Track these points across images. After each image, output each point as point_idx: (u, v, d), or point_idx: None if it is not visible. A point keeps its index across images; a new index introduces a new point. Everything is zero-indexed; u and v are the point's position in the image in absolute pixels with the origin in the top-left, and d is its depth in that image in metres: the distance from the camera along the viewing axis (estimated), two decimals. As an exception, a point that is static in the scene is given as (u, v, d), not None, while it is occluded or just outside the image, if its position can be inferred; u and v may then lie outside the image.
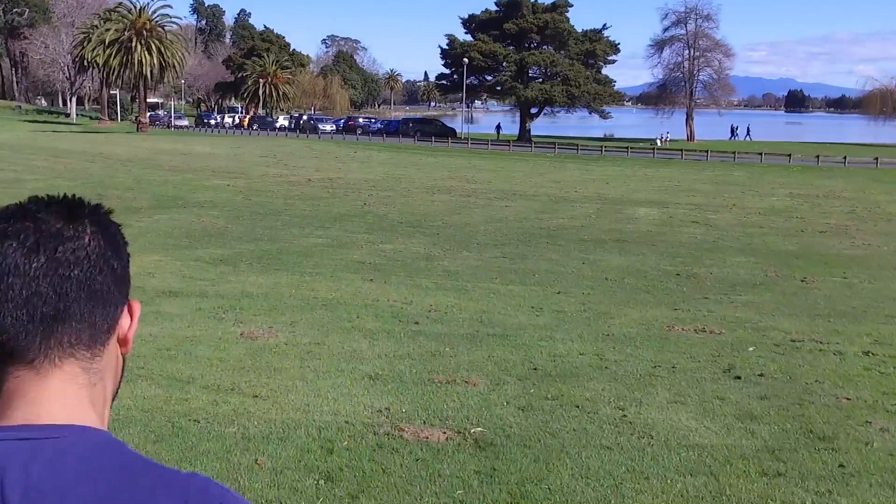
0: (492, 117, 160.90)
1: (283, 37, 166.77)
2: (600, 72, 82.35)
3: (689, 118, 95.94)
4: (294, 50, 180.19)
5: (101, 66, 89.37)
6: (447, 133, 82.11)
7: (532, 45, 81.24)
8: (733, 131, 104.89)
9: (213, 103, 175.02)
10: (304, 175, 41.12)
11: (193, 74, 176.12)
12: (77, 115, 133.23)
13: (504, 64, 77.23)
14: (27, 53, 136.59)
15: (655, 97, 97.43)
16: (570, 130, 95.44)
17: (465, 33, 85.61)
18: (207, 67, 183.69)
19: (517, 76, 77.80)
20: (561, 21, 79.00)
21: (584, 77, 77.27)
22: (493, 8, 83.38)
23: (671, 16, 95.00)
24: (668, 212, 26.91)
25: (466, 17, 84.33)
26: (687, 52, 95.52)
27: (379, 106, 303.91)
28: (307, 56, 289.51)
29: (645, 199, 32.35)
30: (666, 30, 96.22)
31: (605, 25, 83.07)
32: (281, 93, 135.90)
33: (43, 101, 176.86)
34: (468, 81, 79.56)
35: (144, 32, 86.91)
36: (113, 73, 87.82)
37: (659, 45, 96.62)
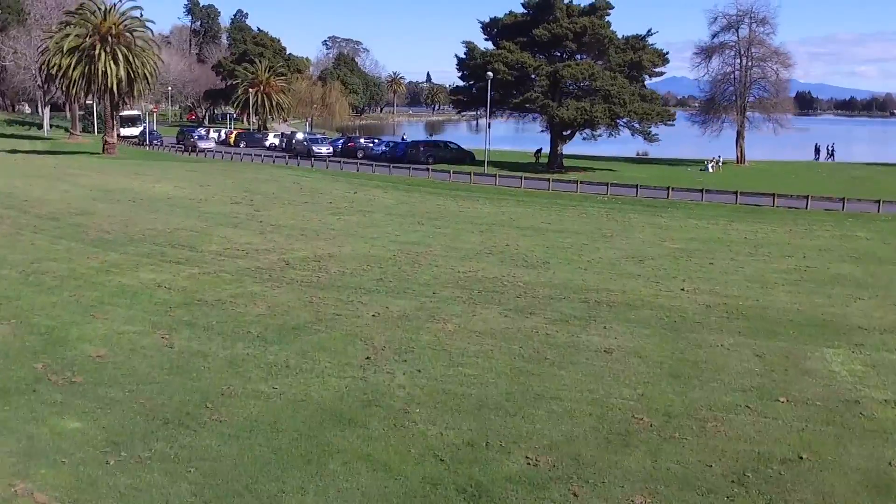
0: (502, 126, 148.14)
1: (279, 40, 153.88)
2: (644, 85, 69.45)
3: (739, 137, 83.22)
4: (290, 54, 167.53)
5: (59, 77, 76.72)
6: (464, 158, 69.52)
7: (566, 55, 68.33)
8: (818, 151, 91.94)
9: (203, 111, 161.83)
10: (280, 249, 28.55)
11: (182, 80, 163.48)
12: (51, 126, 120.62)
13: (534, 77, 64.29)
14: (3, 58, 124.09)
15: (702, 110, 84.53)
16: (600, 146, 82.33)
17: (486, 39, 72.86)
18: (198, 72, 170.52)
19: (550, 92, 64.89)
20: (601, 26, 66.17)
21: (629, 93, 64.40)
22: (520, 10, 70.49)
23: (721, 20, 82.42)
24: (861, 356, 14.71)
25: (487, 21, 71.45)
26: (738, 61, 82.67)
27: (382, 110, 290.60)
28: (306, 59, 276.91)
29: (793, 306, 21.30)
30: (715, 35, 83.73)
31: (649, 31, 70.27)
32: (275, 102, 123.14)
33: (27, 108, 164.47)
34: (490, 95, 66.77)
35: (110, 39, 74.15)
36: (74, 86, 74.91)
37: (707, 53, 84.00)
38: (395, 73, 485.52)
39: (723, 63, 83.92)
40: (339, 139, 78.78)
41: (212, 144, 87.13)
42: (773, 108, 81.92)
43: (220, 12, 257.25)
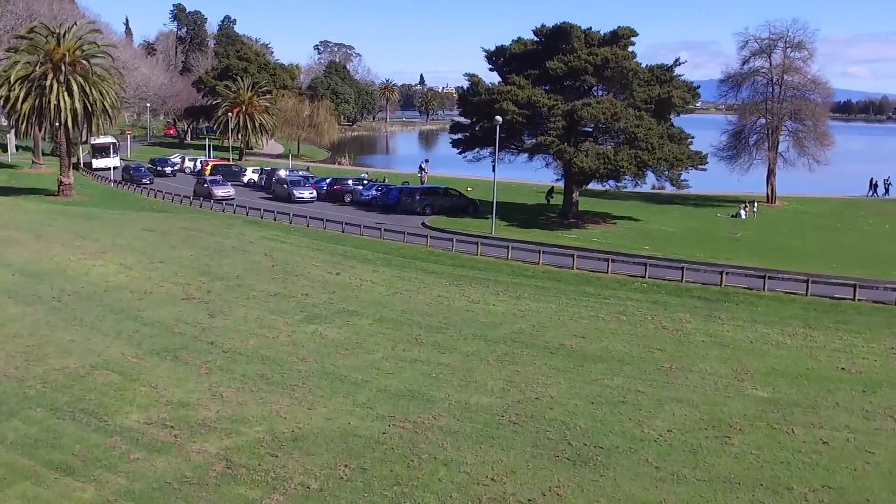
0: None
1: (265, 54, 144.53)
2: (672, 123, 60.68)
3: (770, 175, 74.50)
4: (277, 66, 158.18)
5: (7, 108, 67.92)
6: (466, 207, 60.83)
7: (583, 89, 59.50)
8: (875, 187, 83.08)
9: (186, 127, 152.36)
10: (226, 418, 22.55)
11: (163, 95, 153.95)
12: (17, 148, 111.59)
13: (549, 119, 55.43)
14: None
15: (729, 145, 75.77)
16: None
17: (491, 69, 63.91)
18: (180, 86, 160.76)
19: (566, 133, 56.09)
20: (625, 57, 57.38)
21: (658, 136, 55.65)
22: (530, 37, 61.63)
23: (752, 44, 73.67)
24: None
25: (493, 49, 62.52)
26: (771, 90, 73.97)
27: (374, 118, 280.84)
28: (296, 66, 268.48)
29: None
30: (745, 62, 74.75)
31: (676, 61, 61.51)
32: (258, 123, 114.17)
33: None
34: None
35: (64, 67, 65.16)
36: (23, 120, 65.96)
37: (735, 82, 75.19)
38: (387, 80, 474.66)
39: (753, 92, 75.15)
40: (323, 180, 69.70)
41: (230, 192, 70.03)
42: (810, 139, 73.04)
43: (206, 19, 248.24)
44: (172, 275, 38.87)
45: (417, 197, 59.73)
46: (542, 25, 60.33)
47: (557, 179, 64.06)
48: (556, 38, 58.85)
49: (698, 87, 62.09)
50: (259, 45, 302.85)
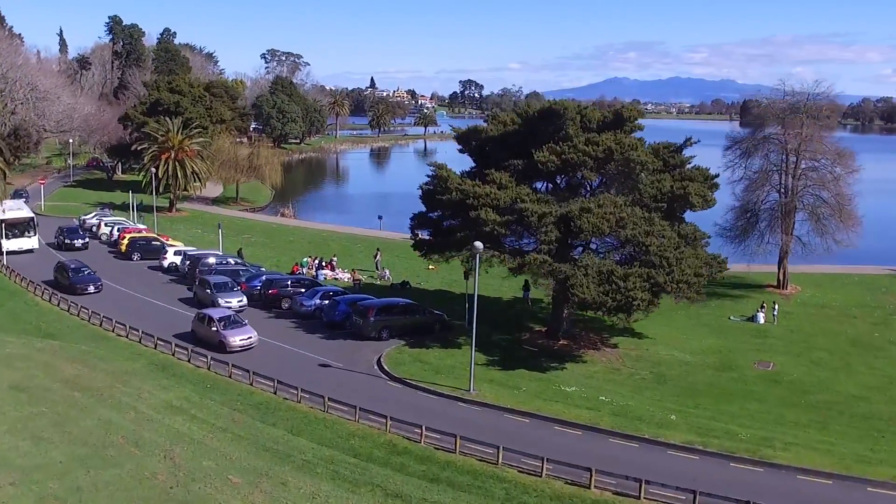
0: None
1: (200, 86, 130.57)
2: (684, 220, 49.37)
3: (783, 258, 63.60)
4: (221, 76, 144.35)
5: None
6: (431, 325, 49.25)
7: (577, 184, 47.86)
8: None
9: (110, 168, 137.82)
10: None
11: (89, 129, 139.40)
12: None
13: (539, 230, 43.55)
14: None
15: (736, 222, 64.66)
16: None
17: (461, 151, 52.10)
18: (109, 116, 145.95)
19: (559, 247, 44.39)
20: (631, 146, 45.72)
21: (675, 248, 44.21)
22: (513, 117, 49.87)
23: (766, 106, 62.70)
24: None
25: (465, 129, 50.65)
26: (784, 159, 63.22)
27: (324, 130, 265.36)
28: (241, 82, 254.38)
29: None
30: (757, 128, 63.82)
31: (687, 141, 50.35)
32: (189, 172, 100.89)
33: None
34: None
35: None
36: None
37: (745, 150, 64.16)
38: (336, 87, 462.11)
39: (765, 161, 64.18)
40: (258, 279, 57.11)
41: (252, 337, 46.72)
42: (832, 220, 62.29)
43: (144, 32, 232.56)
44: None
45: (371, 318, 47.46)
46: (528, 106, 49.57)
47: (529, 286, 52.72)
48: (545, 120, 47.20)
49: (716, 176, 50.77)
50: (203, 56, 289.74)
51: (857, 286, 68.48)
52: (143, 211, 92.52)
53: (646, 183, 47.33)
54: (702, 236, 49.42)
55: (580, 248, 46.31)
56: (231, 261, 63.59)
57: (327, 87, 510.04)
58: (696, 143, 51.11)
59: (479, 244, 37.33)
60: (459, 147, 51.80)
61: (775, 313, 56.89)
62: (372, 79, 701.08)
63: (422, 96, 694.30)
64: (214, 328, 46.16)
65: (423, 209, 50.45)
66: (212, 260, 62.24)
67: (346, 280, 66.45)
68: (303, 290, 55.04)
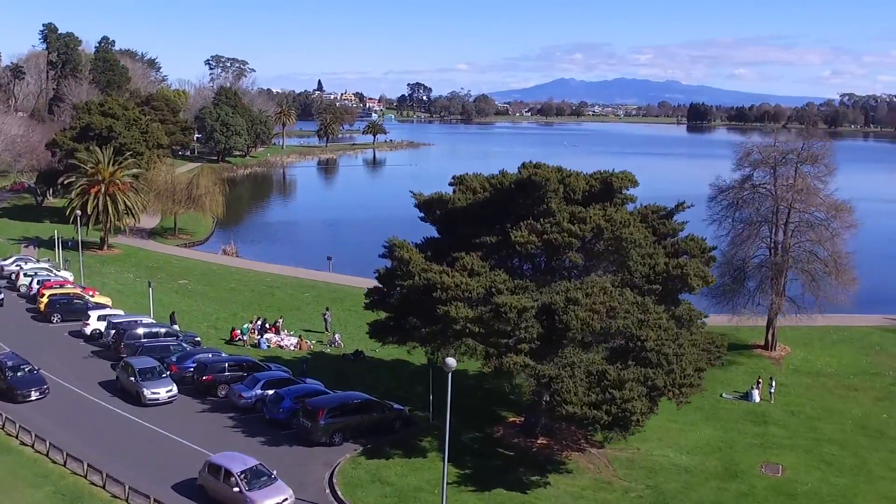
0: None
1: (134, 107, 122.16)
2: (677, 301, 43.34)
3: (771, 321, 58.11)
4: (166, 85, 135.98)
5: None
6: (391, 423, 43.09)
7: (560, 266, 41.49)
8: None
9: (39, 193, 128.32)
10: None
11: (15, 152, 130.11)
12: None
13: (518, 326, 37.01)
14: None
15: (722, 287, 58.73)
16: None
17: (422, 219, 45.54)
18: (38, 137, 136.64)
19: (541, 344, 37.99)
20: (624, 223, 39.47)
21: (673, 339, 38.15)
22: (484, 183, 43.38)
23: (755, 154, 57.24)
24: None
25: (428, 197, 44.06)
26: (774, 210, 57.73)
27: (270, 140, 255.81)
28: (184, 93, 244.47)
29: None
30: (746, 179, 58.29)
31: (680, 205, 44.53)
32: (122, 207, 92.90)
33: None
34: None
35: None
36: None
37: (733, 200, 58.66)
38: (283, 90, 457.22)
39: (754, 213, 58.57)
40: (191, 359, 49.96)
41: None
42: (827, 280, 56.88)
43: (80, 41, 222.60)
44: None
45: (321, 421, 40.50)
46: (503, 174, 42.56)
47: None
48: (523, 191, 40.80)
49: (714, 248, 44.96)
50: (145, 62, 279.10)
51: (847, 345, 63.30)
52: (72, 248, 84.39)
53: (636, 260, 41.26)
54: (697, 316, 43.57)
55: (564, 342, 39.84)
56: (161, 330, 56.07)
57: (274, 91, 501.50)
58: (689, 207, 45.34)
59: (451, 361, 30.64)
60: (421, 215, 45.16)
61: (772, 391, 51.23)
62: (319, 81, 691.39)
63: (370, 99, 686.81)
64: (236, 488, 33.30)
65: (380, 281, 43.72)
66: (140, 331, 54.75)
67: (292, 348, 59.42)
68: (242, 374, 47.92)
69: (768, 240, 58.10)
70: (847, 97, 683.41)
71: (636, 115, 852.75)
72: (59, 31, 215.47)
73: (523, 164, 42.79)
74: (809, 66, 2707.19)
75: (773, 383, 51.53)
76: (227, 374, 48.17)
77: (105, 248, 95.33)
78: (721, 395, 51.68)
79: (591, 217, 38.87)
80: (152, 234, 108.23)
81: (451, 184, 44.87)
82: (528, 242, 38.53)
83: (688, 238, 44.34)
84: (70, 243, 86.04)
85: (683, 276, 40.71)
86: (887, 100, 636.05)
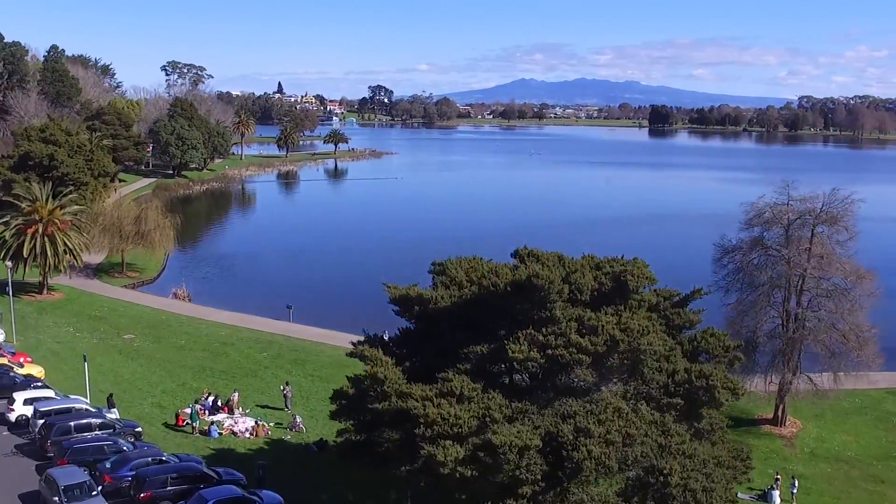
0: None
1: (81, 131, 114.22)
2: (699, 416, 37.00)
3: (781, 397, 52.30)
4: (121, 95, 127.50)
5: None
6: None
7: (565, 383, 34.95)
8: None
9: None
10: None
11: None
12: None
13: (521, 466, 30.47)
14: None
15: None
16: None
17: (397, 314, 38.77)
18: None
19: (547, 480, 31.48)
20: (641, 329, 33.04)
21: (700, 467, 31.89)
22: (471, 278, 36.70)
23: (766, 213, 51.26)
24: None
25: (404, 291, 37.28)
26: (788, 282, 51.72)
27: (229, 152, 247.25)
28: (138, 104, 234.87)
29: None
30: (756, 242, 52.34)
31: (695, 291, 38.38)
32: (61, 249, 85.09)
33: None
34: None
35: None
36: None
37: (741, 264, 52.59)
38: (243, 93, 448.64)
39: (765, 278, 52.59)
40: (128, 465, 42.89)
41: None
42: (846, 355, 51.03)
43: (27, 50, 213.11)
44: None
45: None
46: (495, 271, 35.87)
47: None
48: (520, 295, 34.22)
49: (738, 346, 38.76)
50: (98, 69, 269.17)
51: (862, 416, 57.70)
52: (4, 294, 76.33)
53: (651, 366, 34.95)
54: (719, 424, 37.40)
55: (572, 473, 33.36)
56: (95, 421, 48.69)
57: (234, 93, 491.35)
58: (706, 294, 39.15)
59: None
60: (395, 308, 38.42)
61: (794, 491, 45.21)
62: (279, 83, 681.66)
63: (331, 101, 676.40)
64: None
65: (347, 398, 36.91)
66: (71, 423, 47.39)
67: (247, 436, 52.38)
68: (187, 487, 40.89)
69: (780, 307, 52.13)
70: (805, 100, 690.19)
71: (597, 117, 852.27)
72: (4, 40, 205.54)
73: (517, 253, 36.27)
74: (767, 66, 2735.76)
75: (796, 484, 45.48)
76: (169, 489, 41.00)
77: (44, 291, 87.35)
78: (737, 496, 45.54)
79: (603, 326, 32.44)
80: (98, 271, 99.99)
81: (430, 272, 38.24)
82: (528, 359, 32.01)
83: (707, 333, 38.15)
84: (7, 288, 78.05)
85: (709, 387, 34.43)
86: (844, 102, 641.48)
